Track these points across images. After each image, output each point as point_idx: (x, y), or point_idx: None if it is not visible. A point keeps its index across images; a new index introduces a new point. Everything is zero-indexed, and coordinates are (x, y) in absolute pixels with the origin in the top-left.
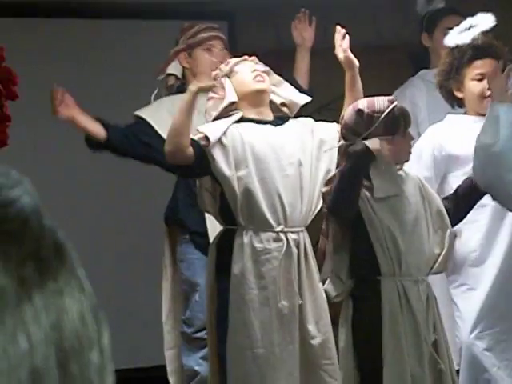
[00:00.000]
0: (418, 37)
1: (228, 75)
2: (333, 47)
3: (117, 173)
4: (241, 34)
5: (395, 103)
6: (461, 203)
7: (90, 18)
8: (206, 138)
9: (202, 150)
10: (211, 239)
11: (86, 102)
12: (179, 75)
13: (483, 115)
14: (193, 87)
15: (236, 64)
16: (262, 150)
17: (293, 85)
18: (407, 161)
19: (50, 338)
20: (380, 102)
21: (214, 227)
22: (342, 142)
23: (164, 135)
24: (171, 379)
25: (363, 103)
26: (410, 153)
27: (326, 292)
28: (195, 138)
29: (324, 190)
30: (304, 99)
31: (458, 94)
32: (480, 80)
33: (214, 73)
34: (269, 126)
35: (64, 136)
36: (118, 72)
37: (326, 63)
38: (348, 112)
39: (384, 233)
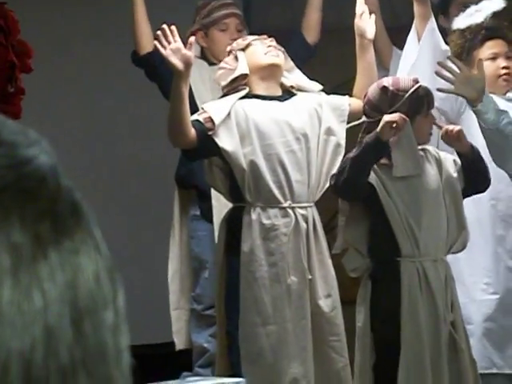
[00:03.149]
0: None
1: (243, 49)
2: (347, 27)
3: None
4: (255, 13)
5: (420, 83)
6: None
7: None
8: (211, 119)
9: (205, 132)
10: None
11: (98, 77)
12: (198, 54)
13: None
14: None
15: (253, 40)
16: (266, 125)
17: (299, 42)
18: (426, 142)
19: (65, 297)
20: (405, 80)
21: (219, 206)
22: (364, 118)
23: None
24: (176, 339)
25: (388, 81)
26: (430, 134)
27: (344, 265)
28: (200, 118)
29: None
30: (316, 87)
31: None
32: (493, 59)
33: (229, 47)
34: (275, 101)
35: (76, 100)
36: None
37: (341, 43)
38: (372, 89)
39: (402, 214)
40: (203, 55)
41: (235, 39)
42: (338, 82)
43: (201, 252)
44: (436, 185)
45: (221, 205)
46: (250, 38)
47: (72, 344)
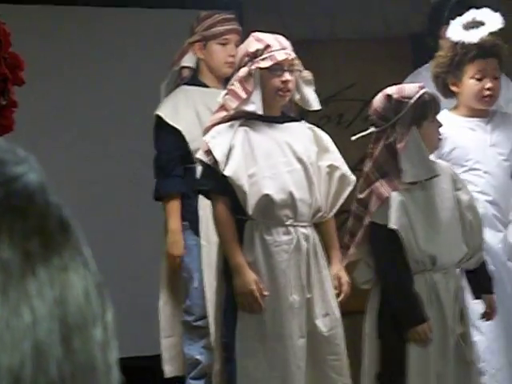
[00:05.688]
0: (424, 27)
1: (261, 66)
2: (340, 38)
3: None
4: (248, 25)
5: (425, 89)
6: None
7: (102, 6)
8: (215, 159)
9: (214, 169)
10: (202, 224)
11: (96, 92)
12: (193, 65)
13: (475, 113)
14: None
15: (276, 62)
16: (268, 146)
17: None
18: (437, 147)
19: (54, 313)
20: (409, 87)
21: (206, 216)
22: (372, 128)
23: (185, 134)
24: (166, 368)
25: (392, 89)
26: (439, 139)
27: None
28: (207, 161)
29: (362, 195)
30: (315, 106)
31: (454, 89)
32: (479, 79)
33: (246, 58)
34: (275, 124)
35: (66, 122)
36: (130, 61)
37: (334, 53)
38: (377, 99)
39: (414, 231)
40: (197, 67)
41: (233, 55)
42: (331, 93)
43: (190, 261)
44: (450, 198)
45: (208, 216)
46: (274, 57)
47: (61, 360)
